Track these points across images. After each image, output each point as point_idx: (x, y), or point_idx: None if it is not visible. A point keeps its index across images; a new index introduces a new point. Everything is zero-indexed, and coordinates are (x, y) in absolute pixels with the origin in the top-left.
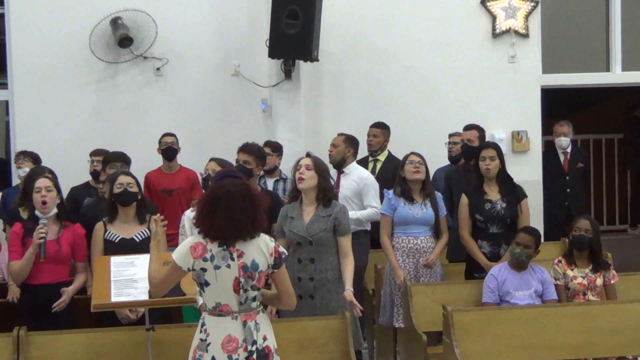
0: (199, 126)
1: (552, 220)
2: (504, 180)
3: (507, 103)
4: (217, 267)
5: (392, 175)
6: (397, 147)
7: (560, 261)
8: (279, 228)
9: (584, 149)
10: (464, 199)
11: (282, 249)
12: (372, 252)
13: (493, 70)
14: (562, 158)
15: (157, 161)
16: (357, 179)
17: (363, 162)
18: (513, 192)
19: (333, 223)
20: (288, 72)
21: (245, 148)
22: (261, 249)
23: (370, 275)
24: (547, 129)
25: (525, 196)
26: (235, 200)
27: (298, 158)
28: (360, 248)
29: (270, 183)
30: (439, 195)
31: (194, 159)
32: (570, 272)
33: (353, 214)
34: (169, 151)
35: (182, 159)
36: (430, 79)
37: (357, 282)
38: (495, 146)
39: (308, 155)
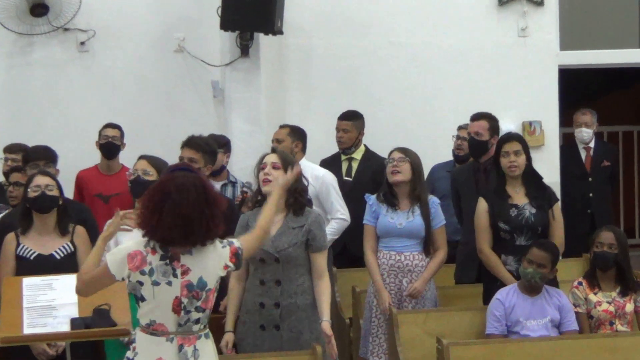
0: (133, 115)
1: (571, 231)
2: (532, 179)
3: (516, 87)
4: (155, 283)
5: (371, 177)
6: (381, 143)
7: (580, 283)
8: None
9: (611, 144)
10: (482, 204)
11: (237, 243)
12: (348, 272)
13: (499, 46)
14: (583, 155)
15: (94, 157)
16: (311, 180)
17: (334, 162)
18: (543, 195)
19: (306, 236)
20: (245, 48)
21: (191, 143)
22: (213, 262)
23: (347, 302)
24: (566, 118)
25: (557, 199)
26: (187, 195)
27: (262, 154)
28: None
29: (216, 188)
30: (434, 200)
31: (126, 155)
32: (593, 297)
33: None
34: (108, 147)
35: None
36: (421, 57)
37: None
38: (519, 138)
39: (274, 150)
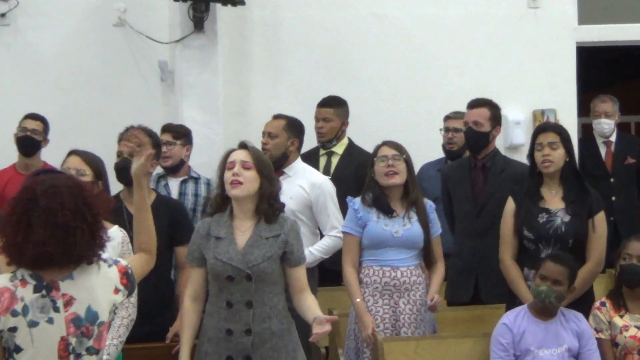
0: (63, 103)
1: None
2: (572, 180)
3: (526, 68)
4: (32, 324)
5: (354, 176)
6: (363, 135)
7: (604, 304)
8: (195, 253)
9: (636, 137)
10: (510, 205)
11: (124, 262)
12: (324, 291)
13: (506, 19)
14: (603, 150)
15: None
16: (307, 186)
17: (311, 158)
18: (584, 200)
19: (282, 248)
20: (199, 22)
21: (132, 135)
22: (100, 285)
23: None
24: (585, 107)
25: (602, 207)
26: (62, 199)
27: (227, 150)
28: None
29: (174, 185)
30: (430, 204)
31: (56, 151)
32: (619, 320)
33: (307, 253)
34: (25, 142)
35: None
36: (411, 33)
37: (304, 340)
38: (558, 128)
39: (244, 146)
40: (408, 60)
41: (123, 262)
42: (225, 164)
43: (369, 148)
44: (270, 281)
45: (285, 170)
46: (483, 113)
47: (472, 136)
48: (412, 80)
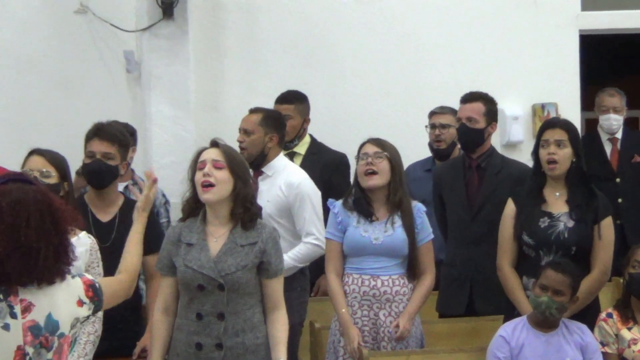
0: (18, 96)
1: None
2: (579, 182)
3: (524, 58)
4: None
5: (320, 178)
6: (347, 132)
7: (610, 315)
8: (165, 261)
9: None
10: (509, 208)
11: (89, 275)
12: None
13: (503, 5)
14: (608, 148)
15: None
16: (284, 186)
17: None
18: (589, 204)
19: (259, 257)
20: (168, 8)
21: (103, 132)
22: (63, 295)
23: (304, 341)
24: (589, 100)
25: (609, 213)
26: (28, 216)
27: (198, 149)
28: (293, 295)
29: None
30: (419, 207)
31: (11, 151)
32: (626, 333)
33: None
34: None
35: None
36: (399, 20)
37: (290, 349)
38: (566, 125)
39: (215, 144)
40: (396, 50)
41: (89, 276)
42: (196, 165)
43: (352, 146)
44: (244, 292)
45: (264, 169)
46: (477, 108)
47: (466, 133)
48: (400, 72)
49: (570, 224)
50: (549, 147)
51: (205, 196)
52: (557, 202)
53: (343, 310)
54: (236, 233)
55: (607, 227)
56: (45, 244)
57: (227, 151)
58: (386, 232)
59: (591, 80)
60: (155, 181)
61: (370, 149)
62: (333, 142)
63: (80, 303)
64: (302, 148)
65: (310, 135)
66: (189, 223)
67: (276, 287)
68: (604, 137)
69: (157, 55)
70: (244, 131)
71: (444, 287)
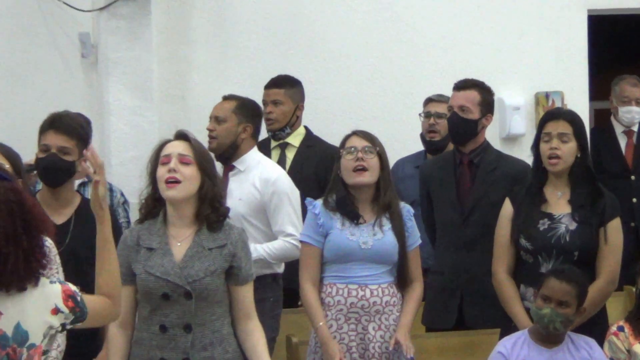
0: None
1: None
2: (584, 180)
3: (527, 42)
4: None
5: (315, 174)
6: (328, 124)
7: (621, 328)
8: (122, 268)
9: None
10: (506, 209)
11: (74, 287)
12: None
13: None
14: (623, 142)
15: None
16: (259, 183)
17: (260, 151)
18: (594, 204)
19: (228, 261)
20: None
21: (60, 124)
22: (35, 302)
23: (281, 355)
24: (598, 88)
25: (617, 214)
26: None
27: (160, 141)
28: (266, 307)
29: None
30: (407, 209)
31: None
32: (639, 348)
33: (252, 248)
34: None
35: None
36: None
37: None
38: (571, 117)
39: (182, 136)
40: (383, 32)
41: (72, 287)
42: (158, 159)
43: (335, 139)
44: (213, 300)
45: (236, 164)
46: (472, 97)
47: (457, 123)
48: (387, 57)
49: (573, 226)
50: (551, 141)
51: (170, 193)
52: (559, 203)
53: (321, 323)
54: (202, 235)
55: (614, 230)
56: (14, 249)
57: (196, 145)
58: (375, 235)
59: (600, 66)
60: (101, 167)
61: (359, 142)
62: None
63: (56, 311)
64: (295, 139)
65: (306, 127)
66: (148, 225)
67: (247, 294)
68: (618, 130)
69: (116, 38)
70: (216, 119)
71: (431, 298)
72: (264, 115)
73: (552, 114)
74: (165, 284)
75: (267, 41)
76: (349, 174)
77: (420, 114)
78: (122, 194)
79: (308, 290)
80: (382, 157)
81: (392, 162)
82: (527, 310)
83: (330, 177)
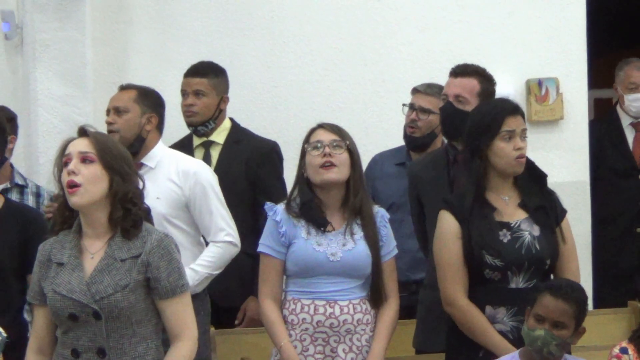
0: None
1: (610, 264)
2: (529, 179)
3: (517, 22)
4: None
5: (245, 173)
6: (290, 116)
7: (625, 350)
8: (35, 287)
9: None
10: (448, 222)
11: None
12: (236, 334)
13: None
14: (630, 136)
15: None
16: (177, 177)
17: (182, 151)
18: (549, 203)
19: (142, 273)
20: None
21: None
22: None
23: None
24: (598, 76)
25: (565, 211)
26: None
27: (64, 140)
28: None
29: None
30: (382, 214)
31: None
32: None
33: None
34: None
35: None
36: None
37: None
38: (522, 110)
39: (84, 132)
40: (351, 10)
41: None
42: (61, 161)
43: (296, 134)
44: (130, 320)
45: (144, 161)
46: (470, 85)
47: (451, 115)
48: (357, 40)
49: (536, 232)
50: (514, 139)
51: (72, 199)
52: (508, 208)
53: (285, 341)
54: (115, 245)
55: (568, 229)
56: None
57: (98, 139)
58: (345, 245)
59: (601, 50)
60: None
61: (326, 136)
62: (268, 127)
63: None
64: (220, 136)
65: (231, 120)
66: (62, 237)
67: (176, 310)
68: (625, 122)
69: (44, 17)
70: (115, 110)
71: (422, 316)
72: (182, 108)
73: (509, 108)
74: (71, 304)
75: (216, 20)
76: (315, 172)
77: (404, 105)
78: (51, 199)
79: (268, 306)
80: (352, 152)
81: (365, 159)
82: (503, 334)
83: (262, 175)
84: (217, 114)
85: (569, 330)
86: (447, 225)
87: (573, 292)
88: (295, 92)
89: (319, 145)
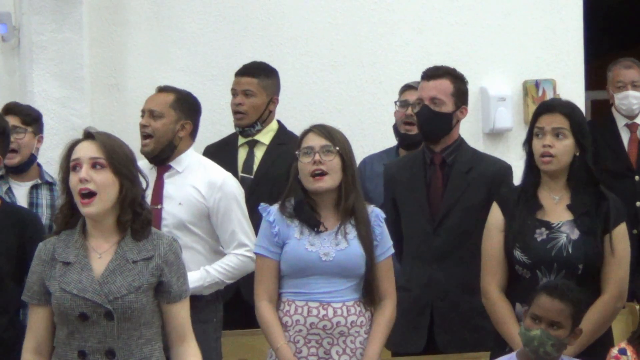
0: None
1: None
2: (584, 183)
3: (514, 23)
4: None
5: (285, 174)
6: (287, 117)
7: (624, 351)
8: (35, 287)
9: None
10: (496, 215)
11: None
12: (235, 336)
13: None
14: (625, 137)
15: None
16: (202, 186)
17: (225, 149)
18: (599, 209)
19: (156, 276)
20: None
21: None
22: None
23: None
24: (595, 77)
25: (622, 219)
26: None
27: (69, 142)
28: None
29: (21, 193)
30: (377, 213)
31: None
32: None
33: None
34: None
35: None
36: None
37: None
38: (567, 109)
39: (90, 135)
40: (348, 11)
41: None
42: (68, 163)
43: (295, 134)
44: (139, 321)
45: (173, 164)
46: (444, 86)
47: (429, 118)
48: (353, 40)
49: (575, 235)
50: (544, 137)
51: (86, 210)
52: (556, 208)
53: (281, 343)
54: (125, 246)
55: (620, 238)
56: None
57: (106, 143)
58: (338, 245)
59: (598, 51)
60: None
61: (316, 141)
62: None
63: None
64: (266, 137)
65: (279, 122)
66: (65, 237)
67: (181, 314)
68: (620, 123)
69: (41, 19)
70: (150, 113)
71: (397, 318)
72: (232, 107)
73: (546, 106)
74: (82, 303)
75: (213, 22)
76: (307, 180)
77: (395, 102)
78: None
79: (265, 308)
80: (344, 157)
81: (359, 160)
82: None
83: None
84: (267, 116)
85: (565, 331)
86: (494, 218)
87: (570, 292)
88: (292, 94)
89: (309, 151)
